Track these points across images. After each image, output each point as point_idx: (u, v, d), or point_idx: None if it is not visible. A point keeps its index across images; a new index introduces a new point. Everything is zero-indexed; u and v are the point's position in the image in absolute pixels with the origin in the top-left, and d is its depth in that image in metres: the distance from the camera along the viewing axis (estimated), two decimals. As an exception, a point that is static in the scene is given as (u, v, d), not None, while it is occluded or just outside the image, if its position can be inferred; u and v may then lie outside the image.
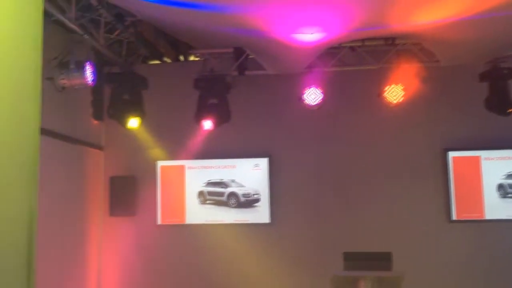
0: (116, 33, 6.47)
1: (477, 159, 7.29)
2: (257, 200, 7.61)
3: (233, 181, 7.71)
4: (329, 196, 7.48)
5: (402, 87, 6.68)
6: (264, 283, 7.40)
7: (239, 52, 6.76)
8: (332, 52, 6.88)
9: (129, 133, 7.44)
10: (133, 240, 7.74)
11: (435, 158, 7.37)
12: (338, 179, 7.50)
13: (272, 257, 7.46)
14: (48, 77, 5.83)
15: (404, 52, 6.82)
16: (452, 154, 7.32)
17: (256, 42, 6.33)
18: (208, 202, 7.73)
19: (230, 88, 6.93)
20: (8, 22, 1.72)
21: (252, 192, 7.64)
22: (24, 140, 1.79)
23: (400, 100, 6.71)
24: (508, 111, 6.72)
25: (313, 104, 6.89)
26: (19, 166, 1.77)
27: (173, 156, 7.80)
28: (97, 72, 6.15)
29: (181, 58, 8.20)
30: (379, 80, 6.78)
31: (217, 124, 6.90)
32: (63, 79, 5.91)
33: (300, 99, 6.89)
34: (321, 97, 6.87)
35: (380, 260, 5.72)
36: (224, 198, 7.69)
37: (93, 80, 6.07)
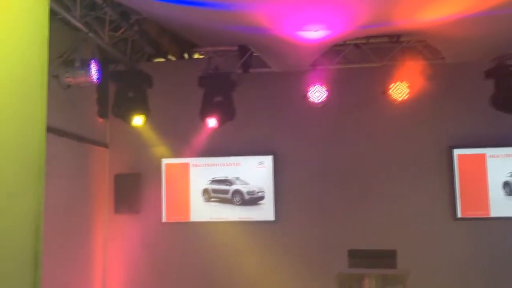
0: (121, 31, 6.48)
1: (482, 157, 7.26)
2: (261, 198, 7.62)
3: (237, 178, 7.72)
4: (333, 194, 7.48)
5: (407, 85, 6.67)
6: (268, 280, 7.41)
7: (243, 50, 6.76)
8: (336, 50, 6.87)
9: (134, 131, 7.46)
10: (137, 238, 7.76)
11: (440, 155, 7.35)
12: (342, 176, 7.50)
13: (277, 254, 7.47)
14: (53, 75, 5.85)
15: (409, 49, 6.80)
16: (457, 152, 7.29)
17: (260, 40, 6.33)
18: (212, 199, 7.74)
19: (234, 86, 6.94)
20: (14, 21, 1.73)
21: (256, 189, 7.65)
22: (31, 138, 1.80)
23: (405, 98, 6.69)
24: (514, 108, 6.68)
25: (317, 101, 6.89)
26: (26, 164, 1.78)
27: (177, 153, 7.82)
28: (102, 70, 6.16)
29: (186, 56, 8.20)
30: (384, 77, 6.77)
31: (221, 121, 6.91)
32: (68, 77, 5.93)
33: (305, 97, 6.89)
34: (325, 95, 6.86)
35: (385, 258, 5.72)
36: (228, 196, 7.70)
37: (98, 78, 6.08)
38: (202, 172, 7.79)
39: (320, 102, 6.88)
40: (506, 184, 7.17)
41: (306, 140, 7.60)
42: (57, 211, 6.21)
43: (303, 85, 6.91)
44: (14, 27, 1.73)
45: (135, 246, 7.74)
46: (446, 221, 7.26)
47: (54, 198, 6.07)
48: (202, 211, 7.73)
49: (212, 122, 6.93)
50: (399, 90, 6.69)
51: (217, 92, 6.87)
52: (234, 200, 7.69)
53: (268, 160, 7.63)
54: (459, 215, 7.22)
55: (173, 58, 8.18)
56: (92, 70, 5.95)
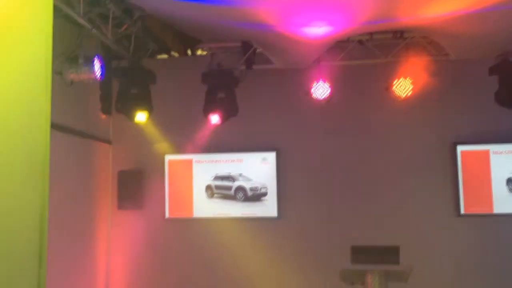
0: (124, 27, 6.47)
1: (486, 153, 7.25)
2: (264, 194, 7.62)
3: (240, 175, 7.73)
4: (336, 190, 7.48)
5: (410, 81, 6.65)
6: (271, 276, 7.42)
7: (247, 46, 6.75)
8: (340, 46, 6.85)
9: (137, 127, 7.47)
10: (141, 234, 7.78)
11: (443, 152, 7.34)
12: (345, 173, 7.49)
13: (280, 250, 7.48)
14: (56, 72, 5.85)
15: (413, 45, 6.78)
16: (461, 148, 7.28)
17: (264, 36, 6.32)
18: (215, 196, 7.75)
19: (238, 82, 6.93)
20: (19, 18, 1.73)
21: (259, 186, 7.66)
22: (35, 135, 1.81)
23: (409, 94, 6.68)
24: (518, 104, 6.66)
25: (321, 98, 6.88)
26: (30, 160, 1.78)
27: (180, 150, 7.83)
28: (105, 67, 6.16)
29: (189, 52, 8.20)
30: (387, 74, 6.75)
31: (224, 118, 6.91)
32: (72, 73, 5.93)
33: (308, 93, 6.88)
34: (329, 91, 6.85)
35: (388, 254, 5.72)
36: (231, 192, 7.71)
37: (101, 75, 6.08)
38: (205, 168, 7.80)
39: (324, 98, 6.87)
40: (509, 181, 7.16)
41: (309, 136, 7.59)
42: (60, 207, 6.22)
43: (307, 81, 6.91)
44: (18, 24, 1.73)
45: (138, 242, 7.76)
46: (449, 217, 7.26)
47: (57, 194, 6.07)
48: (205, 207, 7.74)
49: (215, 118, 6.92)
50: (403, 87, 6.67)
51: (220, 88, 6.86)
52: (237, 196, 7.70)
53: (271, 157, 7.63)
54: (462, 211, 7.21)
55: (176, 55, 8.18)
56: (95, 66, 5.95)
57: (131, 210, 7.80)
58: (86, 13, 5.57)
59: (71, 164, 6.74)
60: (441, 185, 7.31)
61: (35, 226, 1.79)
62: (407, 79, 6.65)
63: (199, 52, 8.02)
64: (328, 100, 6.89)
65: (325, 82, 6.85)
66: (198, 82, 6.89)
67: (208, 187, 7.77)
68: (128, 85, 6.83)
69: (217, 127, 7.26)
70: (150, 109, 6.92)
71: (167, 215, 7.78)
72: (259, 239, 7.55)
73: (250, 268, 7.44)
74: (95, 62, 5.94)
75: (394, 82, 6.69)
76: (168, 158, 7.85)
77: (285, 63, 7.10)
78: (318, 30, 5.78)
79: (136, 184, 7.77)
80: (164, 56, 8.20)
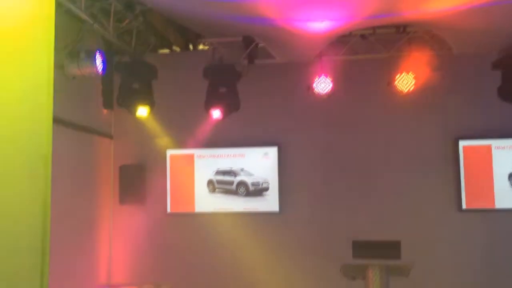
0: (126, 22, 6.46)
1: (488, 148, 7.23)
2: (266, 189, 7.63)
3: (242, 170, 7.73)
4: (338, 185, 7.47)
5: (413, 76, 6.63)
6: (272, 271, 7.44)
7: (248, 40, 6.73)
8: (342, 40, 6.83)
9: (139, 122, 7.47)
10: (142, 228, 7.80)
11: (445, 147, 7.33)
12: (347, 168, 7.49)
13: (281, 245, 7.49)
14: (58, 66, 5.86)
15: (416, 40, 6.76)
16: (463, 143, 7.27)
17: (266, 31, 6.30)
18: (217, 190, 7.76)
19: (239, 76, 6.92)
20: (21, 13, 1.73)
21: (261, 180, 7.66)
22: (38, 129, 1.81)
23: (411, 89, 6.66)
24: (521, 100, 6.64)
25: (323, 92, 6.87)
26: (33, 154, 1.78)
27: (182, 145, 7.83)
28: (107, 61, 6.17)
29: (191, 47, 8.18)
30: (390, 68, 6.74)
31: (226, 113, 6.90)
32: (74, 68, 5.94)
33: (310, 88, 6.86)
34: (331, 86, 6.84)
35: (389, 249, 5.74)
36: (233, 187, 7.72)
37: (103, 69, 6.08)
38: (206, 163, 7.80)
39: (325, 93, 6.86)
40: (511, 176, 7.15)
41: (311, 131, 7.58)
42: (62, 201, 6.23)
43: (308, 76, 6.89)
44: (21, 20, 1.73)
45: (140, 237, 7.78)
46: (451, 212, 7.25)
47: (59, 188, 6.08)
48: (206, 202, 7.75)
49: (216, 113, 6.92)
50: (405, 81, 6.65)
51: (222, 83, 6.85)
52: (239, 191, 7.70)
53: (272, 151, 7.63)
54: (464, 206, 7.21)
55: (177, 49, 8.17)
56: (97, 61, 5.96)
57: (132, 205, 7.81)
58: (87, 7, 5.57)
59: (73, 158, 6.74)
60: (443, 180, 7.31)
61: (37, 220, 1.79)
62: (410, 73, 6.63)
63: (200, 46, 8.00)
64: (330, 94, 6.87)
65: (327, 76, 6.83)
66: (199, 77, 6.88)
67: (210, 182, 7.78)
68: (130, 80, 6.83)
69: (218, 122, 7.25)
70: (151, 103, 6.92)
71: (168, 210, 7.79)
72: (261, 233, 7.57)
73: (252, 263, 7.45)
74: (96, 56, 5.95)
75: (397, 77, 6.68)
76: (170, 152, 7.86)
77: (287, 57, 7.08)
78: (320, 25, 5.76)
79: (137, 179, 7.78)
80: (166, 50, 8.18)
